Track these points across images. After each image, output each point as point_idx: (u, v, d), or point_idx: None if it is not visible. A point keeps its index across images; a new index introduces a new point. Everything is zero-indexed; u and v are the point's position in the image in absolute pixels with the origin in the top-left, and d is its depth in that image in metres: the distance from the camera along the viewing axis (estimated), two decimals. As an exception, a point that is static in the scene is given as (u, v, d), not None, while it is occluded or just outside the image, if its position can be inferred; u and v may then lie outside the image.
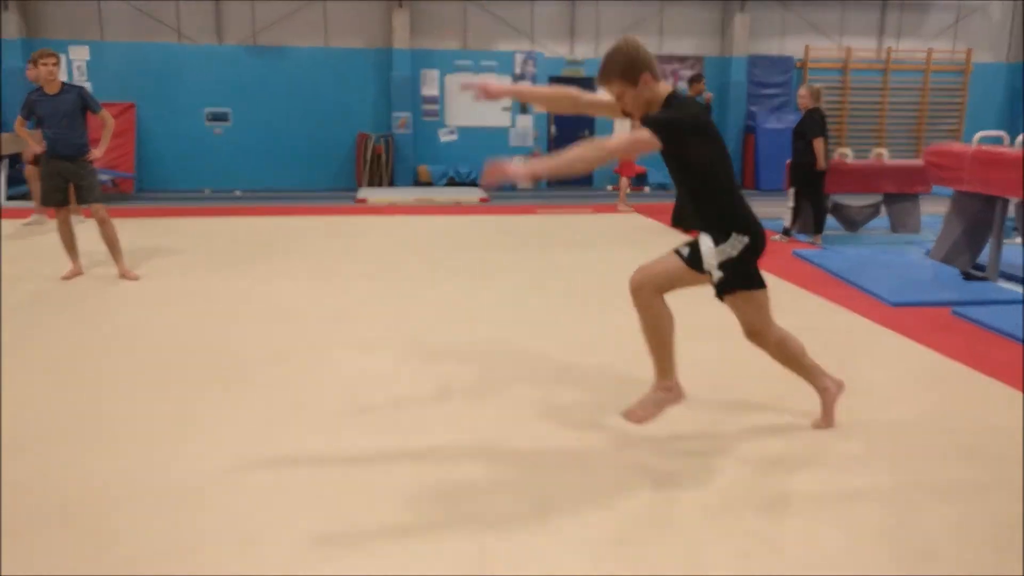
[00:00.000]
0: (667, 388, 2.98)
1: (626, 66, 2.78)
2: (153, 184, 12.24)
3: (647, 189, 12.73)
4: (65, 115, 5.73)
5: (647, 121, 2.74)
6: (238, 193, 11.99)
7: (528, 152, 13.16)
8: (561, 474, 2.81)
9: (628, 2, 13.12)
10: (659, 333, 2.88)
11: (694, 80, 8.99)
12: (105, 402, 3.49)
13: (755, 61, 13.51)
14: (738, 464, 2.89)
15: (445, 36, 12.74)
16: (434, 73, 12.73)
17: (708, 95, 8.96)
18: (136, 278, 5.95)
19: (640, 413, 2.98)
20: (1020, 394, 3.63)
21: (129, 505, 2.56)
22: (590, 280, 6.09)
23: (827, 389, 3.17)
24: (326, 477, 2.78)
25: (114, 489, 2.66)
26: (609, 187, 12.93)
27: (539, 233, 8.55)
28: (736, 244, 2.83)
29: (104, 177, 11.37)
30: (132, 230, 7.98)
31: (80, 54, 11.96)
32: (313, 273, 6.29)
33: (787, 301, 5.51)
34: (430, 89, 12.78)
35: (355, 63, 12.50)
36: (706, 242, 2.84)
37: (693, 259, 2.85)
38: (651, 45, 13.04)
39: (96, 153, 5.95)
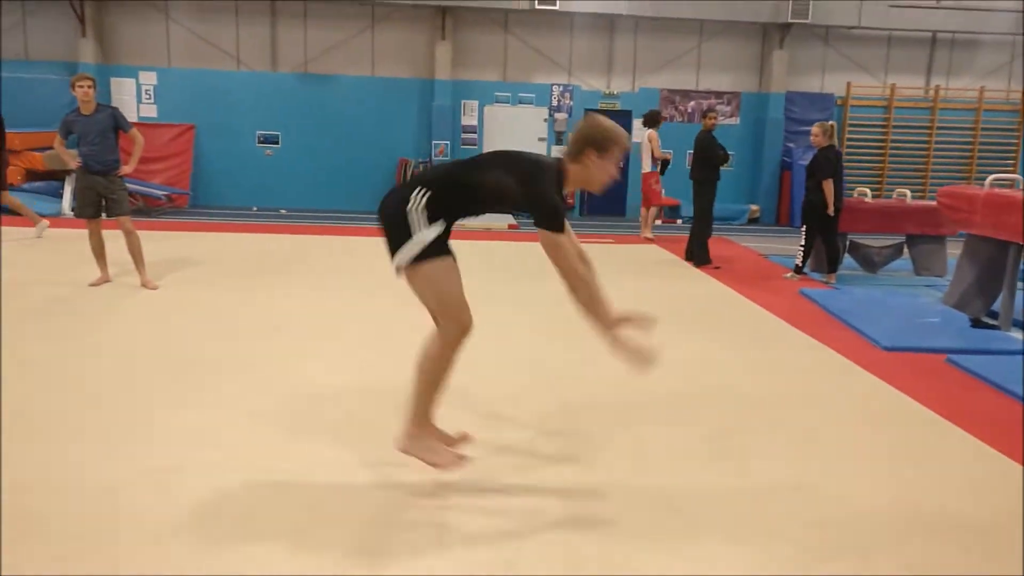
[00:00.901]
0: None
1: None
2: (207, 200, 13.02)
3: (680, 221, 12.83)
4: (99, 133, 6.31)
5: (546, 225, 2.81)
6: (283, 212, 12.63)
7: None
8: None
9: (666, 37, 13.35)
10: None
11: (708, 113, 9.15)
12: (67, 400, 3.90)
13: (793, 98, 13.52)
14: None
15: (485, 68, 13.22)
16: (473, 103, 13.20)
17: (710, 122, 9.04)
18: (155, 287, 6.46)
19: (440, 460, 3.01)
20: (985, 445, 3.67)
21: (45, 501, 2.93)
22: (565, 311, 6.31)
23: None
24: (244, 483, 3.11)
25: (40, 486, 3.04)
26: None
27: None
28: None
29: (160, 192, 12.22)
30: (173, 243, 8.62)
31: (148, 79, 12.89)
32: (317, 289, 6.71)
33: (772, 335, 5.64)
34: (469, 119, 13.25)
35: (399, 92, 13.09)
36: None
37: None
38: (688, 81, 13.31)
39: (126, 169, 6.51)
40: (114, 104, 12.69)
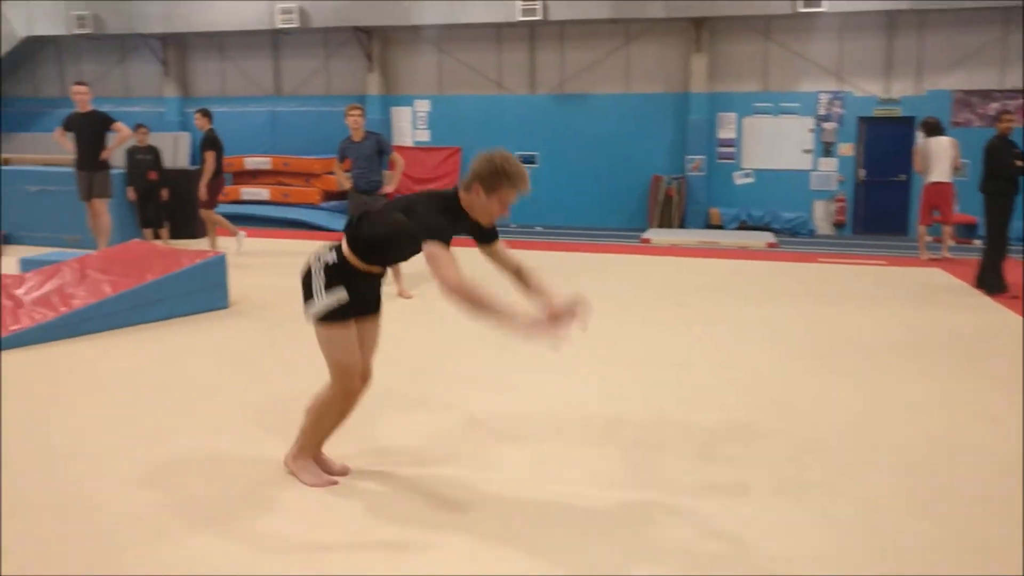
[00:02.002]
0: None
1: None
2: (470, 218, 13.84)
3: (977, 243, 11.20)
4: (366, 157, 6.97)
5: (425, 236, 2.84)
6: (539, 229, 13.04)
7: (831, 196, 12.42)
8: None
9: (960, 30, 11.77)
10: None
11: (1002, 115, 7.87)
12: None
13: None
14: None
15: (744, 78, 12.61)
16: (731, 116, 12.65)
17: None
18: (410, 297, 6.97)
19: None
20: None
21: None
22: (802, 338, 5.75)
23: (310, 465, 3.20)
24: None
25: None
26: (929, 237, 11.65)
27: (804, 282, 8.12)
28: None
29: (428, 211, 13.20)
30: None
31: (423, 106, 14.05)
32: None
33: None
34: (726, 132, 12.72)
35: (653, 107, 12.94)
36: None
37: None
38: (988, 79, 11.59)
39: (388, 188, 7.11)
40: (393, 130, 14.08)
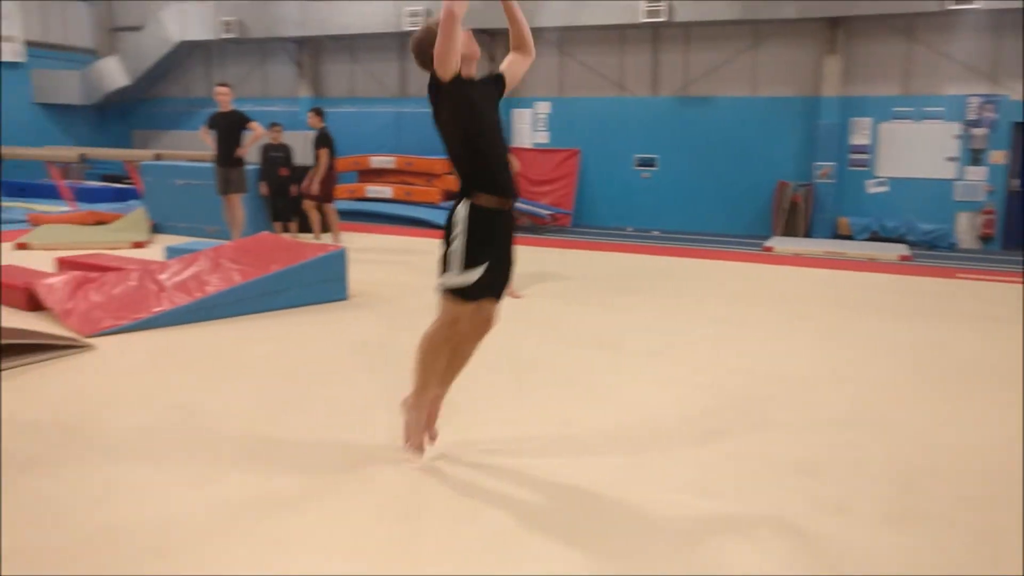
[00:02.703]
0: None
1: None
2: (587, 220, 13.81)
3: None
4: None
5: None
6: (656, 233, 12.84)
7: (978, 208, 11.56)
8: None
9: None
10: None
11: None
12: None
13: None
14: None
15: (882, 81, 11.93)
16: (866, 121, 12.00)
17: None
18: (519, 297, 7.01)
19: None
20: None
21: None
22: (929, 359, 5.37)
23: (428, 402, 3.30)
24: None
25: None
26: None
27: (938, 299, 7.60)
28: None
29: (545, 212, 13.28)
30: (547, 258, 9.31)
31: (543, 108, 14.13)
32: (662, 310, 6.67)
33: None
34: (860, 138, 12.07)
35: (780, 112, 12.46)
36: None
37: None
38: None
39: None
40: (512, 131, 14.23)
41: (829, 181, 12.08)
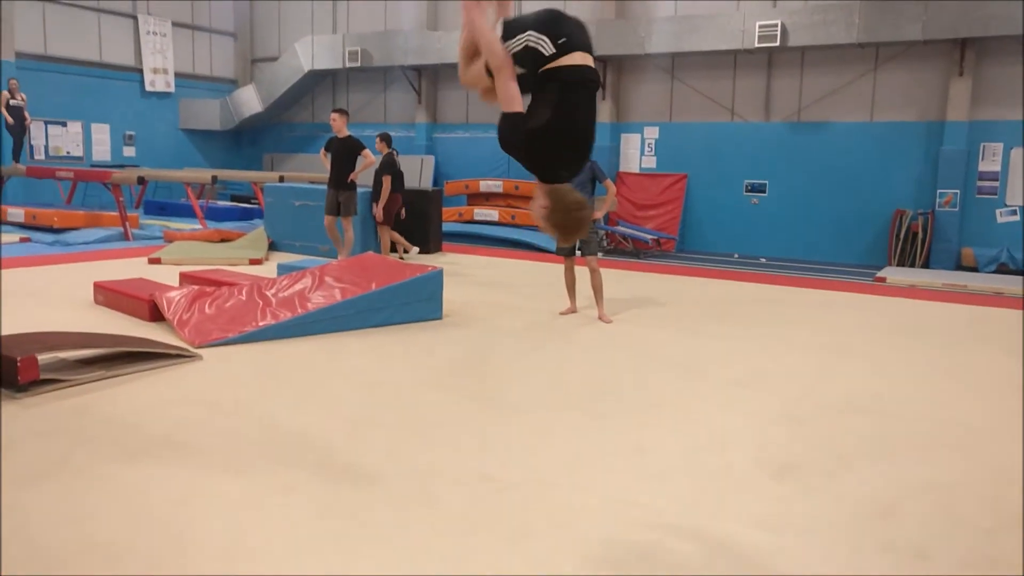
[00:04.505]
0: None
1: None
2: (693, 245, 13.62)
3: None
4: (579, 185, 7.17)
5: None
6: (763, 260, 12.51)
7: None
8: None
9: None
10: None
11: None
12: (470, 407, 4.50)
13: None
14: None
15: (1016, 105, 11.19)
16: (997, 147, 11.29)
17: None
18: (610, 321, 7.03)
19: None
20: None
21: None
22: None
23: None
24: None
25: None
26: None
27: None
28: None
29: (649, 236, 13.19)
30: (644, 283, 9.25)
31: (651, 133, 14.09)
32: (754, 340, 6.51)
33: None
34: (989, 164, 11.37)
35: (899, 137, 11.91)
36: None
37: None
38: None
39: (596, 214, 7.25)
40: (621, 156, 14.26)
41: (952, 209, 11.43)
